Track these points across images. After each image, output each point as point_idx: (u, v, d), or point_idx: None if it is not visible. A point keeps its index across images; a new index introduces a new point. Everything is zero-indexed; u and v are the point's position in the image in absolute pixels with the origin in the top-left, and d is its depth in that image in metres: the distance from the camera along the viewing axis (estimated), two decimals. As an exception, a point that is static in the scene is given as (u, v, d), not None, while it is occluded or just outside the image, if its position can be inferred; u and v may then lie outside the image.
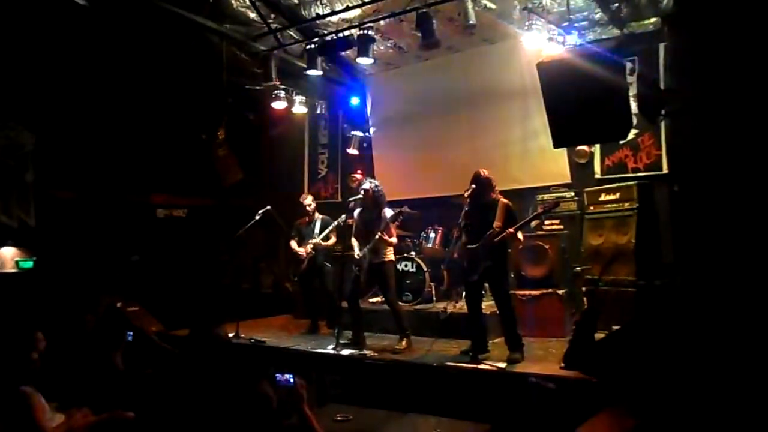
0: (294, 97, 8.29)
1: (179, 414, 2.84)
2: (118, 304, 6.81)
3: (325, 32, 7.02)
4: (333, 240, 6.99)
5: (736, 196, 4.13)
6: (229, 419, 2.79)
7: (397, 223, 6.10)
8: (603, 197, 6.49)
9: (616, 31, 6.57)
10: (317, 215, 7.09)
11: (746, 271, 4.01)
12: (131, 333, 4.16)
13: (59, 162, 7.70)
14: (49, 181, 7.70)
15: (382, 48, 7.68)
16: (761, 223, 4.02)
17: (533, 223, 6.23)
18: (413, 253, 7.30)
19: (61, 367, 3.77)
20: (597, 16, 6.57)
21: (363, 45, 6.57)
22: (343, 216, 6.58)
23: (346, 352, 5.79)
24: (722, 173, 4.19)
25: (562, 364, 4.73)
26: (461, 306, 5.90)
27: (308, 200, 7.11)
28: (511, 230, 5.11)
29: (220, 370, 3.10)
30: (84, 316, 6.04)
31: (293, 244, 7.06)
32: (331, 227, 6.85)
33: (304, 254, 6.89)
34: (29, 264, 7.37)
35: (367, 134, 8.97)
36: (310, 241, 6.91)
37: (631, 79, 6.12)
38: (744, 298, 3.94)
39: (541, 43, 6.14)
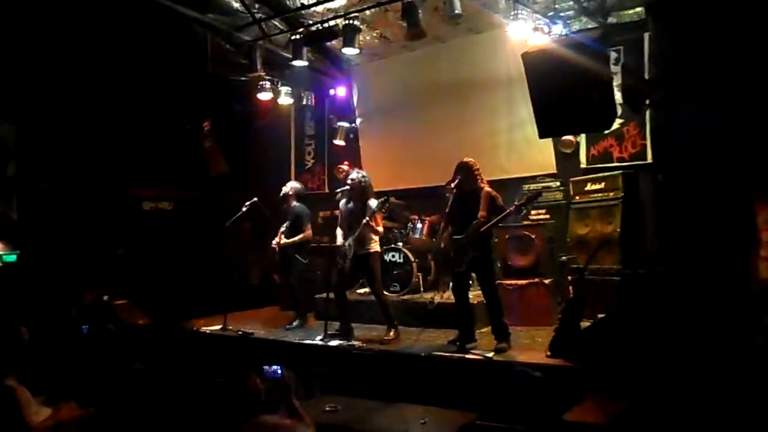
0: (280, 88, 8.24)
1: (163, 407, 2.84)
2: (105, 298, 6.78)
3: (311, 22, 6.97)
4: (302, 234, 6.79)
5: (718, 186, 4.17)
6: (216, 412, 2.79)
7: (383, 211, 6.09)
8: (588, 187, 6.54)
9: (601, 21, 6.59)
10: (293, 204, 6.93)
11: (727, 260, 4.06)
12: (86, 326, 4.13)
13: (42, 154, 7.60)
14: (32, 174, 7.60)
15: (367, 38, 7.63)
16: (742, 212, 4.08)
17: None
18: (400, 243, 7.31)
19: (46, 361, 3.76)
20: (582, 6, 6.58)
21: (348, 35, 6.53)
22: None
23: (334, 343, 5.80)
24: (705, 163, 4.23)
25: (548, 353, 4.78)
26: (448, 296, 5.93)
27: (285, 187, 7.01)
28: (488, 227, 5.13)
29: (188, 362, 3.11)
30: (69, 310, 6.00)
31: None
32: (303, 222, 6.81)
33: (275, 247, 6.87)
34: (13, 258, 7.29)
35: (353, 125, 8.94)
36: (276, 239, 6.88)
37: (616, 69, 6.14)
38: (725, 286, 3.99)
39: (526, 33, 6.14)
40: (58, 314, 6.24)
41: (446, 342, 5.51)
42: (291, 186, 7.08)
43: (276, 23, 7.35)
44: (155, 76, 7.68)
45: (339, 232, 6.13)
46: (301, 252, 6.91)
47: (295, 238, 6.78)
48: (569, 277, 6.26)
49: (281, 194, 7.01)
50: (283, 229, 6.90)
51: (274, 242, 6.93)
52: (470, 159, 5.39)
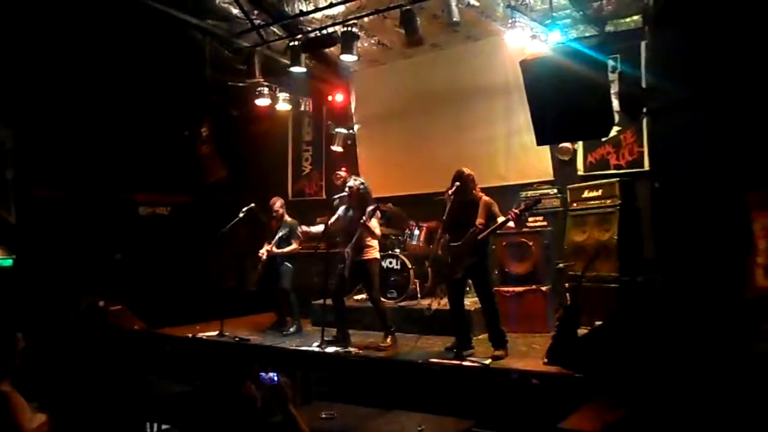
0: (278, 94, 8.25)
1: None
2: (101, 303, 6.74)
3: (309, 29, 6.99)
4: (293, 246, 6.92)
5: (715, 193, 4.18)
6: (214, 419, 2.78)
7: (378, 217, 6.10)
8: (586, 194, 6.55)
9: (599, 29, 6.63)
10: (286, 218, 7.04)
11: (724, 267, 4.07)
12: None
13: (40, 159, 7.59)
14: (30, 178, 7.59)
15: (366, 45, 7.65)
16: (739, 220, 4.08)
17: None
18: (398, 250, 7.31)
19: (41, 367, 3.73)
20: (579, 14, 6.61)
21: (347, 42, 6.56)
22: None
23: (330, 349, 5.78)
24: (702, 170, 4.24)
25: (545, 360, 4.77)
26: (445, 303, 5.92)
27: (277, 205, 7.07)
28: (486, 234, 5.15)
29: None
30: (66, 316, 5.97)
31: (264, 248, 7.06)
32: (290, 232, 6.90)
33: (262, 257, 6.91)
34: (9, 262, 7.26)
35: (351, 131, 8.95)
36: (264, 248, 6.93)
37: (613, 76, 6.16)
38: (721, 293, 4.00)
39: (524, 41, 6.17)
40: (54, 319, 6.21)
41: (443, 349, 5.50)
42: (280, 202, 7.14)
43: (274, 30, 7.36)
44: (153, 82, 7.68)
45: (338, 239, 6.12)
46: (288, 260, 6.98)
47: (284, 250, 6.88)
48: (566, 284, 6.27)
49: (273, 212, 7.06)
50: (274, 241, 6.92)
51: (261, 252, 6.95)
52: (467, 169, 5.40)
